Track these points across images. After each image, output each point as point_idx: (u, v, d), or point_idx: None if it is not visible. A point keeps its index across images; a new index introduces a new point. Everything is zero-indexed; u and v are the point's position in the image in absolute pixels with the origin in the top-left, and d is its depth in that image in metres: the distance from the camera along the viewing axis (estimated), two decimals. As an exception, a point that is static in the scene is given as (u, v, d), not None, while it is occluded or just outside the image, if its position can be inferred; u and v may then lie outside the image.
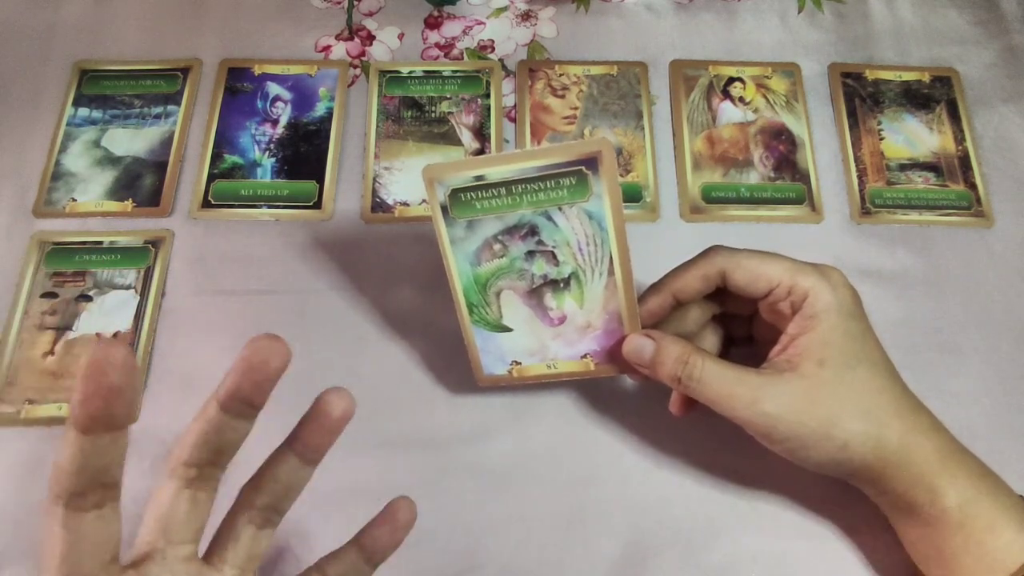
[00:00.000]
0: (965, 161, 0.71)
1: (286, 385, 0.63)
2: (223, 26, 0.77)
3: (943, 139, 0.72)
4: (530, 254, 0.52)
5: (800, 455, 0.50)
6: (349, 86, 0.74)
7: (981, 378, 0.63)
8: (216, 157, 0.71)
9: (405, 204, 0.69)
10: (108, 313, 0.64)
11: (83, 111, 0.72)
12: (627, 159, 0.71)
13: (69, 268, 0.66)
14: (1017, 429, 0.61)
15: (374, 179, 0.70)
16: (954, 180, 0.70)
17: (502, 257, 0.52)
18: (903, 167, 0.71)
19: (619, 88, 0.74)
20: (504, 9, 0.79)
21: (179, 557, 0.41)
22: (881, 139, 0.72)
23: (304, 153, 0.71)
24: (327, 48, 0.76)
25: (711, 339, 0.57)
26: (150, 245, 0.67)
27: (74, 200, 0.69)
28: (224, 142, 0.71)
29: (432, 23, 0.78)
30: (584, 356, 0.56)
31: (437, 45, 0.77)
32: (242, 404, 0.40)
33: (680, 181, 0.70)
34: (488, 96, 0.73)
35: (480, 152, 0.71)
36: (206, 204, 0.69)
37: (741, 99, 0.73)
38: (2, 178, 0.70)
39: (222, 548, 0.43)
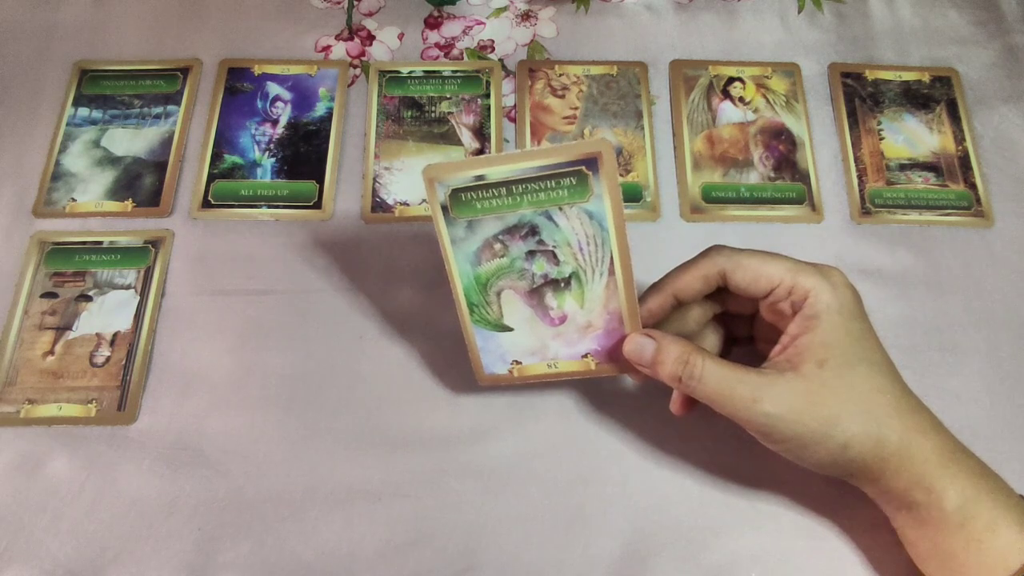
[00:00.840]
0: (965, 161, 0.71)
1: (287, 384, 0.63)
2: (223, 26, 0.77)
3: (943, 139, 0.72)
4: (531, 254, 0.52)
5: (800, 455, 0.50)
6: (349, 86, 0.74)
7: (981, 378, 0.63)
8: (216, 157, 0.71)
9: (405, 204, 0.69)
10: (108, 313, 0.64)
11: (83, 111, 0.72)
12: (627, 159, 0.71)
13: (69, 268, 0.66)
14: (1017, 429, 0.61)
15: (374, 179, 0.70)
16: (954, 180, 0.70)
17: (503, 257, 0.52)
18: (903, 167, 0.71)
19: (619, 88, 0.74)
20: (504, 9, 0.79)
21: None
22: (881, 139, 0.72)
23: (304, 153, 0.71)
24: (327, 48, 0.76)
25: (712, 339, 0.57)
26: (150, 245, 0.67)
27: (74, 200, 0.69)
28: (224, 142, 0.71)
29: (432, 23, 0.78)
30: (585, 356, 0.56)
31: (437, 45, 0.77)
32: None
33: (680, 181, 0.70)
34: (488, 96, 0.73)
35: (480, 152, 0.71)
36: (206, 204, 0.69)
37: (741, 99, 0.73)
38: (2, 178, 0.70)
39: None
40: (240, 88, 0.74)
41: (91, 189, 0.69)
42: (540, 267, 0.52)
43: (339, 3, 0.79)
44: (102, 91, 0.73)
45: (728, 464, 0.59)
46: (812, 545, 0.57)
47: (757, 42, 0.77)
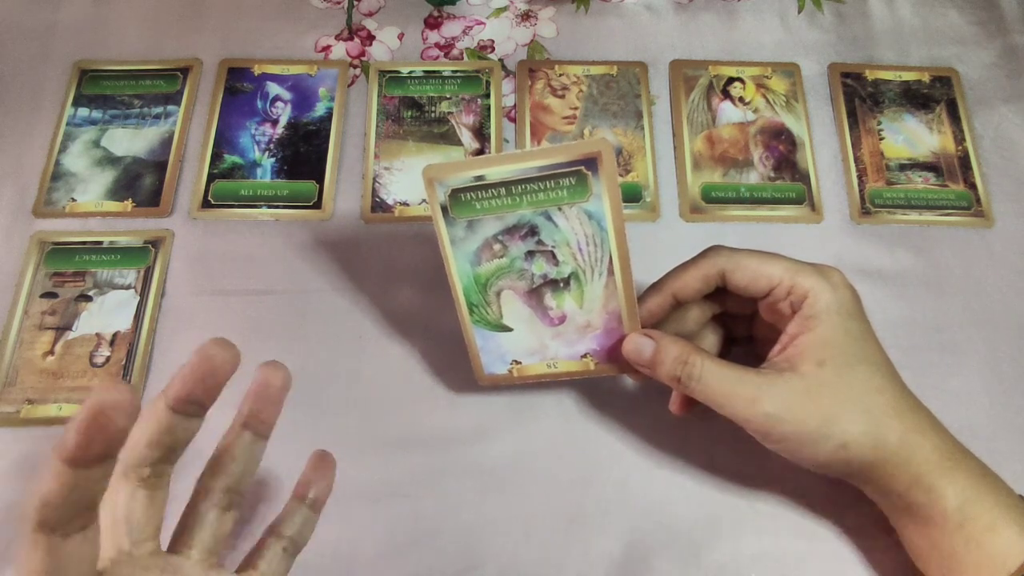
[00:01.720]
0: (965, 161, 0.71)
1: (286, 385, 0.63)
2: (223, 26, 0.77)
3: (943, 139, 0.72)
4: (530, 254, 0.52)
5: (800, 454, 0.50)
6: (349, 86, 0.74)
7: (981, 378, 0.63)
8: (216, 157, 0.71)
9: (405, 204, 0.69)
10: (108, 313, 0.64)
11: (83, 111, 0.72)
12: (627, 159, 0.71)
13: (69, 268, 0.66)
14: (1017, 429, 0.61)
15: (374, 179, 0.70)
16: (954, 180, 0.70)
17: (502, 257, 0.52)
18: (903, 167, 0.71)
19: (619, 88, 0.74)
20: (504, 9, 0.79)
21: (145, 554, 0.42)
22: (881, 139, 0.72)
23: (304, 153, 0.71)
24: (327, 48, 0.76)
25: (711, 339, 0.57)
26: (150, 245, 0.67)
27: (74, 200, 0.69)
28: (224, 142, 0.71)
29: (432, 23, 0.78)
30: (584, 356, 0.56)
31: (437, 45, 0.77)
32: (193, 406, 0.41)
33: (680, 181, 0.70)
34: (488, 96, 0.73)
35: (480, 152, 0.71)
36: (206, 204, 0.69)
37: (741, 99, 0.73)
38: (2, 178, 0.70)
39: (188, 535, 0.44)
40: (240, 88, 0.74)
41: (91, 189, 0.69)
42: (539, 267, 0.52)
43: (339, 3, 0.79)
44: (102, 91, 0.73)
45: (728, 464, 0.59)
46: (812, 545, 0.57)
47: (757, 42, 0.77)
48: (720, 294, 0.55)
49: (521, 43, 0.77)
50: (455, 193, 0.49)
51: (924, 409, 0.51)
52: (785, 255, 0.52)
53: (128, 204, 0.69)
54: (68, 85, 0.74)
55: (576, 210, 0.50)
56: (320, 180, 0.70)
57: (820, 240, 0.68)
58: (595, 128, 0.72)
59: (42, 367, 0.63)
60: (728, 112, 0.73)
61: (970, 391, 0.63)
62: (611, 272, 0.52)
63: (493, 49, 0.76)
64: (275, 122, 0.72)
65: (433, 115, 0.72)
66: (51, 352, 0.63)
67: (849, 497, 0.55)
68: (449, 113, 0.72)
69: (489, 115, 0.72)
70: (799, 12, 0.79)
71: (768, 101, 0.73)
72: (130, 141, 0.71)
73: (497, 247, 0.52)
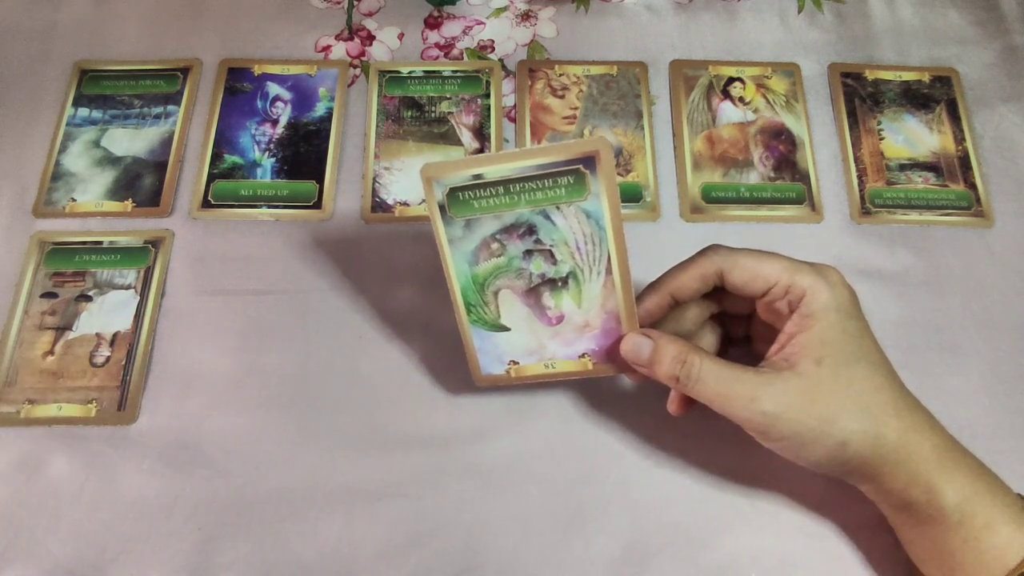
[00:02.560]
0: (965, 161, 0.71)
1: (287, 384, 0.63)
2: (223, 26, 0.77)
3: (943, 139, 0.72)
4: (528, 253, 0.52)
5: (798, 453, 0.50)
6: (349, 86, 0.74)
7: (981, 378, 0.63)
8: (216, 157, 0.71)
9: (405, 204, 0.69)
10: (108, 313, 0.64)
11: (83, 111, 0.72)
12: (627, 159, 0.71)
13: (69, 268, 0.66)
14: (1017, 429, 0.61)
15: (374, 179, 0.70)
16: (954, 180, 0.70)
17: (500, 256, 0.52)
18: (903, 167, 0.71)
19: (619, 88, 0.74)
20: (504, 9, 0.79)
21: None
22: (881, 139, 0.72)
23: (304, 153, 0.71)
24: (327, 48, 0.76)
25: (709, 338, 0.57)
26: (150, 245, 0.67)
27: (74, 200, 0.69)
28: (224, 142, 0.71)
29: (432, 23, 0.78)
30: (582, 355, 0.56)
31: (437, 45, 0.77)
32: None
33: (680, 181, 0.70)
34: (488, 96, 0.73)
35: (480, 152, 0.71)
36: (206, 204, 0.69)
37: (741, 99, 0.73)
38: (2, 178, 0.70)
39: None
40: (240, 88, 0.74)
41: (91, 189, 0.69)
42: (537, 266, 0.52)
43: (339, 3, 0.79)
44: (102, 91, 0.73)
45: (727, 464, 0.59)
46: (812, 545, 0.57)
47: (757, 42, 0.77)
48: (718, 293, 0.55)
49: (521, 43, 0.77)
50: (453, 192, 0.49)
51: (922, 408, 0.51)
52: (783, 254, 0.52)
53: (128, 204, 0.69)
54: (68, 85, 0.74)
55: (574, 209, 0.50)
56: (320, 180, 0.70)
57: (820, 240, 0.68)
58: (595, 128, 0.72)
59: (42, 367, 0.63)
60: (728, 112, 0.73)
61: (970, 391, 0.63)
62: (609, 271, 0.52)
63: (493, 49, 0.76)
64: (275, 122, 0.72)
65: (433, 115, 0.72)
66: (51, 352, 0.63)
67: (849, 497, 0.55)
68: (449, 113, 0.72)
69: (489, 115, 0.72)
70: (799, 12, 0.79)
71: (768, 101, 0.73)
72: (130, 141, 0.71)
73: (495, 246, 0.51)
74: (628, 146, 0.71)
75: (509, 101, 0.74)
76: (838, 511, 0.58)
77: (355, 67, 0.75)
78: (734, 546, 0.57)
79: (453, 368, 0.62)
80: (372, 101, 0.73)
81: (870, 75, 0.75)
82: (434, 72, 0.75)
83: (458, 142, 0.71)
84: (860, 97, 0.74)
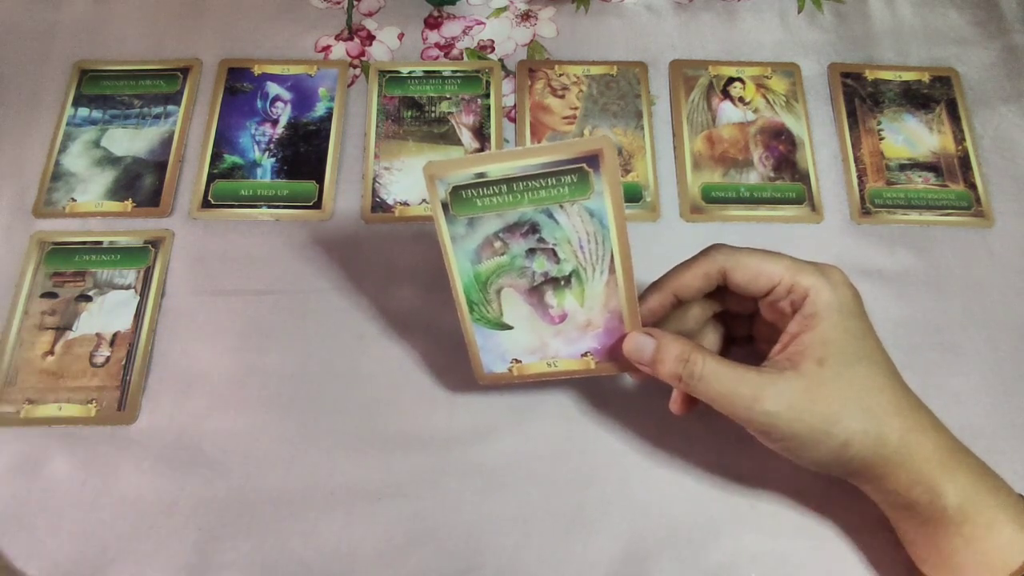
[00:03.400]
0: (965, 161, 0.71)
1: (287, 384, 0.63)
2: (223, 26, 0.77)
3: (943, 139, 0.72)
4: (531, 252, 0.52)
5: (800, 453, 0.50)
6: (349, 86, 0.74)
7: (981, 377, 0.63)
8: (216, 157, 0.71)
9: (405, 204, 0.69)
10: (108, 313, 0.64)
11: (83, 111, 0.72)
12: (627, 159, 0.71)
13: (69, 268, 0.66)
14: (1017, 428, 0.61)
15: (374, 179, 0.70)
16: (954, 180, 0.70)
17: (503, 255, 0.52)
18: (903, 167, 0.71)
19: (619, 88, 0.74)
20: (504, 9, 0.79)
21: None
22: (881, 139, 0.72)
23: (304, 153, 0.71)
24: (327, 48, 0.76)
25: (711, 338, 0.57)
26: (150, 245, 0.67)
27: (74, 200, 0.69)
28: (224, 142, 0.71)
29: (432, 23, 0.78)
30: (585, 354, 0.56)
31: (437, 45, 0.77)
32: None
33: (680, 181, 0.70)
34: (488, 96, 0.73)
35: (480, 152, 0.71)
36: (206, 204, 0.69)
37: (741, 99, 0.73)
38: (2, 178, 0.70)
39: None
40: (240, 88, 0.74)
41: (91, 189, 0.69)
42: (540, 265, 0.52)
43: (339, 3, 0.79)
44: (102, 91, 0.73)
45: (728, 464, 0.59)
46: (812, 545, 0.57)
47: (757, 42, 0.77)
48: (721, 293, 0.55)
49: (521, 43, 0.77)
50: (456, 190, 0.49)
51: (924, 408, 0.51)
52: (785, 254, 0.52)
53: (128, 204, 0.69)
54: (68, 85, 0.74)
55: (577, 208, 0.50)
56: (320, 180, 0.70)
57: (820, 240, 0.68)
58: (595, 128, 0.72)
59: (42, 367, 0.62)
60: (728, 112, 0.73)
61: (970, 391, 0.63)
62: (612, 270, 0.52)
63: (493, 49, 0.76)
64: (275, 122, 0.72)
65: (433, 115, 0.72)
66: (51, 352, 0.63)
67: (849, 497, 0.55)
68: (449, 113, 0.72)
69: (489, 115, 0.72)
70: (799, 12, 0.79)
71: (768, 101, 0.73)
72: (130, 141, 0.71)
73: (498, 245, 0.51)
74: (628, 146, 0.71)
75: (509, 101, 0.74)
76: (838, 511, 0.58)
77: (355, 67, 0.75)
78: (734, 546, 0.57)
79: (453, 368, 0.62)
80: (372, 101, 0.73)
81: (870, 75, 0.75)
82: (434, 72, 0.75)
83: (458, 142, 0.71)
84: (860, 97, 0.74)
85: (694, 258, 0.53)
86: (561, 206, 0.50)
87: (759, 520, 0.58)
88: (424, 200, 0.69)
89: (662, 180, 0.70)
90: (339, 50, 0.76)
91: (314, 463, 0.60)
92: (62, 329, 0.64)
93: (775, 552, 0.57)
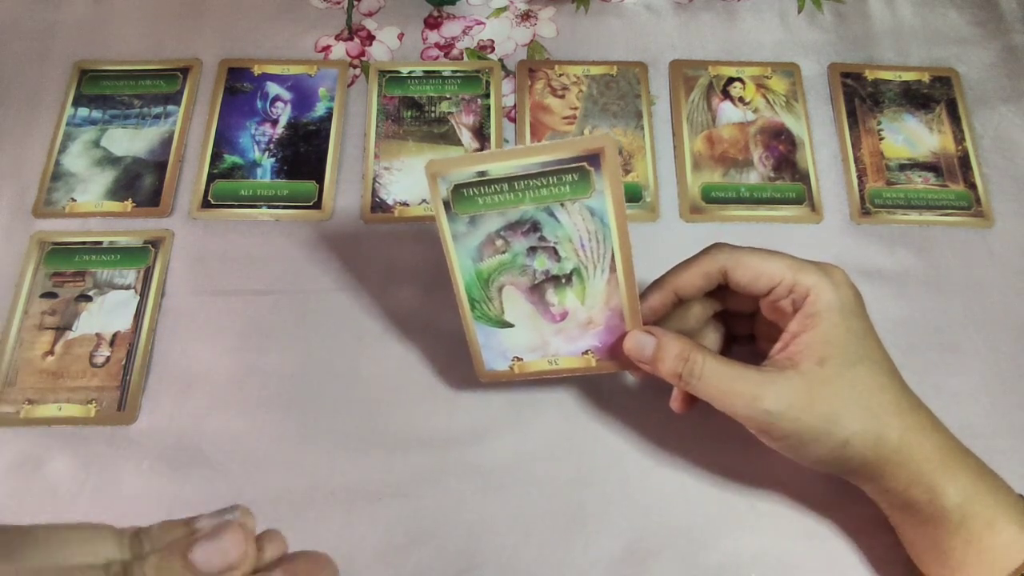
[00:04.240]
0: (965, 161, 0.71)
1: (287, 384, 0.63)
2: (223, 26, 0.77)
3: (943, 139, 0.72)
4: (532, 250, 0.52)
5: (800, 452, 0.50)
6: (349, 86, 0.74)
7: (981, 377, 0.63)
8: (216, 157, 0.71)
9: (405, 204, 0.69)
10: (108, 313, 0.64)
11: (83, 111, 0.72)
12: (627, 159, 0.71)
13: (69, 268, 0.66)
14: (1017, 428, 0.61)
15: (374, 179, 0.70)
16: (954, 180, 0.70)
17: (504, 253, 0.52)
18: (903, 167, 0.71)
19: (619, 88, 0.74)
20: (504, 9, 0.79)
21: None
22: (881, 139, 0.72)
23: (304, 153, 0.71)
24: (327, 48, 0.76)
25: (712, 336, 0.57)
26: (150, 245, 0.67)
27: (74, 200, 0.69)
28: (224, 142, 0.71)
29: (432, 23, 0.78)
30: (585, 352, 0.56)
31: (437, 45, 0.77)
32: None
33: (680, 181, 0.70)
34: (488, 96, 0.73)
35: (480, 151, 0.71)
36: (206, 204, 0.69)
37: (741, 99, 0.73)
38: (2, 178, 0.70)
39: None
40: (240, 88, 0.74)
41: (91, 189, 0.69)
42: (541, 263, 0.52)
43: (339, 3, 0.79)
44: (102, 91, 0.73)
45: (728, 463, 0.59)
46: (812, 545, 0.57)
47: (757, 42, 0.77)
48: (722, 292, 0.55)
49: (521, 43, 0.77)
50: (458, 188, 0.49)
51: (925, 408, 0.51)
52: (786, 253, 0.52)
53: (128, 204, 0.69)
54: (68, 85, 0.74)
55: (579, 206, 0.50)
56: (320, 180, 0.70)
57: (820, 240, 0.68)
58: (595, 128, 0.72)
59: (42, 367, 0.62)
60: (728, 112, 0.73)
61: (970, 391, 0.63)
62: (613, 268, 0.52)
63: (493, 49, 0.76)
64: (275, 122, 0.72)
65: (433, 115, 0.72)
66: (51, 352, 0.63)
67: (849, 497, 0.55)
68: (449, 113, 0.72)
69: (489, 115, 0.72)
70: (799, 12, 0.79)
71: (768, 101, 0.73)
72: (130, 141, 0.71)
73: (499, 243, 0.52)
74: (628, 146, 0.71)
75: (509, 101, 0.74)
76: (838, 511, 0.58)
77: (355, 67, 0.75)
78: (734, 546, 0.57)
79: (453, 367, 0.62)
80: (372, 101, 0.73)
81: (870, 75, 0.75)
82: (434, 72, 0.75)
83: (458, 142, 0.71)
84: (860, 97, 0.74)
85: (695, 257, 0.54)
86: (562, 204, 0.50)
87: (759, 520, 0.58)
88: (424, 200, 0.69)
89: (662, 180, 0.70)
90: (339, 50, 0.76)
91: (314, 463, 0.60)
92: (62, 329, 0.64)
93: (775, 552, 0.57)
